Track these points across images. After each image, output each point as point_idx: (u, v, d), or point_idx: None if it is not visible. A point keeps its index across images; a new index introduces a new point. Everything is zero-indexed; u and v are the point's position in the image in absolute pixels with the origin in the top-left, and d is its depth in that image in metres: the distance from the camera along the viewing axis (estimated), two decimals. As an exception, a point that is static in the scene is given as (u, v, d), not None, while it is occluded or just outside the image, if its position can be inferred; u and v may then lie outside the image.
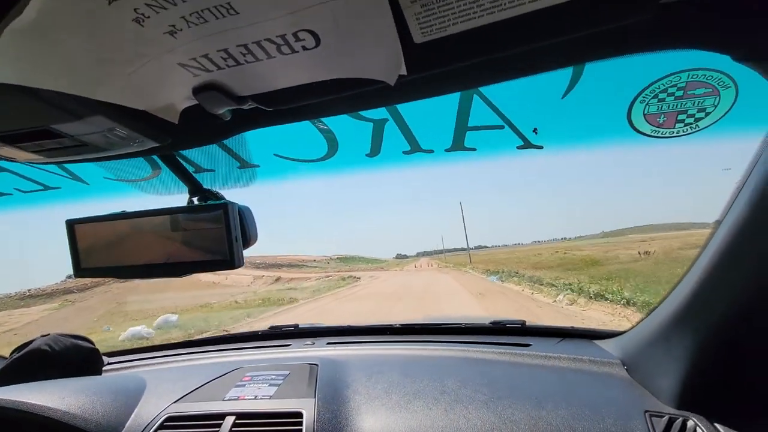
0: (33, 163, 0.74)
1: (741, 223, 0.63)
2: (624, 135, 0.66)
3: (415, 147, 0.79)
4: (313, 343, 1.50)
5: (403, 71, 0.46)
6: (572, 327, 1.35)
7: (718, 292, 0.73)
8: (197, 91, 0.49)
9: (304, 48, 0.43)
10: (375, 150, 0.81)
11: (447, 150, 0.78)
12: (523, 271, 19.03)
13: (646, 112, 0.62)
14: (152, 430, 0.96)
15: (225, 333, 1.85)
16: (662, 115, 0.62)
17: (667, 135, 0.64)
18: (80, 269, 0.84)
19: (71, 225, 0.83)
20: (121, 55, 0.42)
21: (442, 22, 0.41)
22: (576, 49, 0.52)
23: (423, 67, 0.49)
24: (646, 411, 0.87)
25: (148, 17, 0.37)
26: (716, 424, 0.81)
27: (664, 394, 0.90)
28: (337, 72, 0.47)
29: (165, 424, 0.97)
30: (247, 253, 0.79)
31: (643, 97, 0.60)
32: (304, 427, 0.90)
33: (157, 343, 1.86)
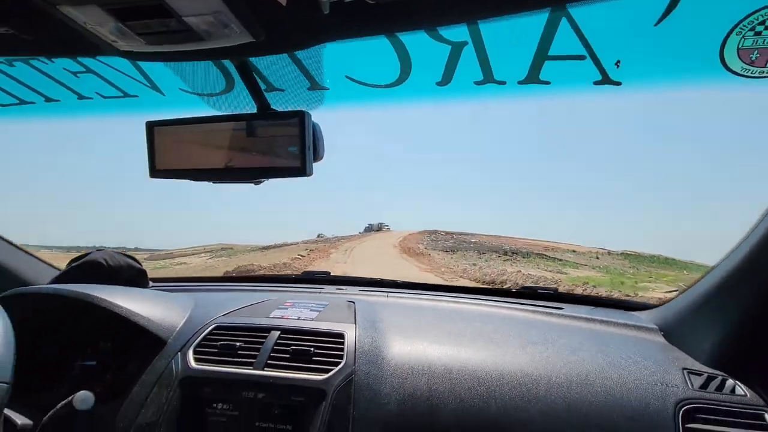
0: (128, 57, 0.79)
1: None
2: (712, 73, 0.65)
3: (488, 77, 0.80)
4: (345, 290, 1.55)
5: None
6: (607, 296, 1.35)
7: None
8: None
9: None
10: (447, 77, 0.82)
11: (520, 82, 0.79)
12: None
13: (740, 46, 0.61)
14: (202, 335, 1.02)
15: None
16: (756, 51, 0.61)
17: (757, 75, 0.63)
18: (155, 170, 0.90)
19: (151, 126, 0.88)
20: None
21: None
22: None
23: None
24: (684, 368, 0.87)
25: None
26: (755, 386, 0.81)
27: (704, 356, 0.90)
28: None
29: (214, 332, 1.03)
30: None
31: (741, 27, 0.59)
32: (345, 347, 0.94)
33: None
